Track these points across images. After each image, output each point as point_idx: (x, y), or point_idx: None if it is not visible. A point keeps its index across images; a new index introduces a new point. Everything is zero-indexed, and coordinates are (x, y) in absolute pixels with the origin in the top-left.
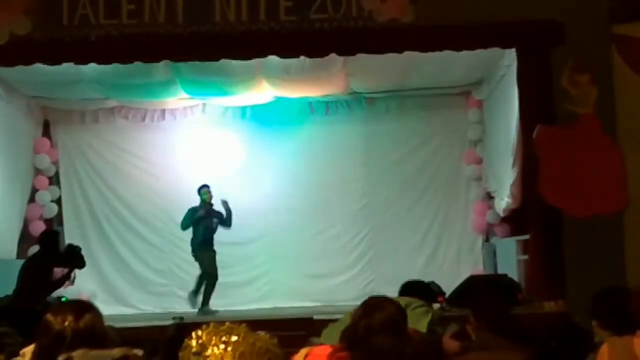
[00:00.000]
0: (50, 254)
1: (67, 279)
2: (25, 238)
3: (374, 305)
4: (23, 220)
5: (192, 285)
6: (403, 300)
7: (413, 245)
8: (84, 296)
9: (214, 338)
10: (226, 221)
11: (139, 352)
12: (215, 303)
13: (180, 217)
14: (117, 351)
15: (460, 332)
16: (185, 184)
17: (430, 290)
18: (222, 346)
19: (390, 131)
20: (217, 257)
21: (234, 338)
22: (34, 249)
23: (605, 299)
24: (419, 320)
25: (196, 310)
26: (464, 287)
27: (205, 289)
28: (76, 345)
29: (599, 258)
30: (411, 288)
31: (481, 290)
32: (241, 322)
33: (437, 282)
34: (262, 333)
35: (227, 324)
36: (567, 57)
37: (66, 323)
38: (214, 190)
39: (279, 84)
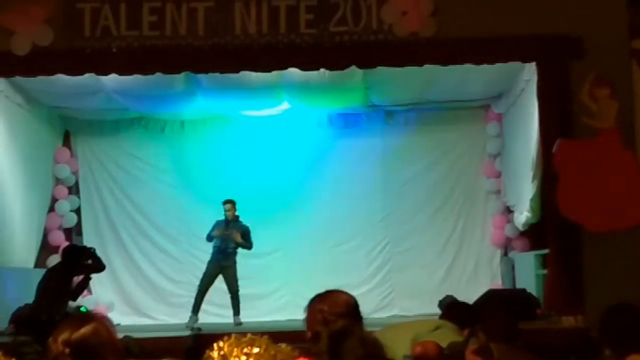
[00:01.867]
0: (71, 266)
1: (84, 286)
2: (44, 247)
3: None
4: (43, 229)
5: (209, 297)
6: (435, 323)
7: (431, 259)
8: (102, 307)
9: (235, 350)
10: (245, 245)
11: None
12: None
13: (198, 228)
14: None
15: (483, 348)
16: (204, 195)
17: (472, 312)
18: (243, 358)
19: (409, 144)
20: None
21: (256, 350)
22: (53, 258)
23: (613, 322)
24: (445, 339)
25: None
26: (481, 301)
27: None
28: (75, 358)
29: (618, 273)
30: (453, 311)
31: (488, 304)
32: (262, 333)
33: (455, 295)
34: (283, 345)
35: (249, 335)
36: (587, 71)
37: (59, 340)
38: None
39: (298, 96)
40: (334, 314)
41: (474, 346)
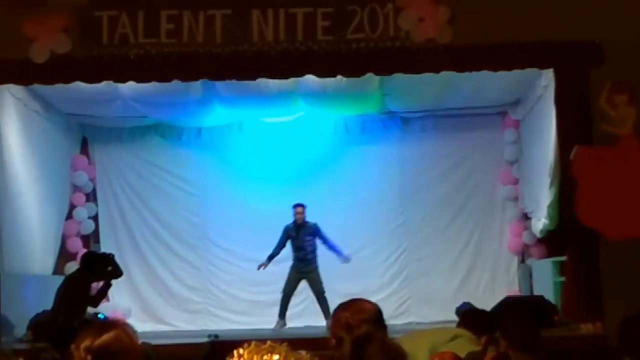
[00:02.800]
0: (90, 273)
1: (105, 292)
2: (62, 254)
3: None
4: (61, 236)
5: (226, 303)
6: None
7: (448, 265)
8: (119, 313)
9: (255, 357)
10: (330, 247)
11: None
12: (251, 321)
13: (215, 235)
14: None
15: (502, 355)
16: (221, 202)
17: (489, 320)
18: None
19: (425, 151)
20: (253, 276)
21: (275, 357)
22: (71, 265)
23: (633, 330)
24: (462, 349)
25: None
26: (499, 308)
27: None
28: None
29: (636, 280)
30: (470, 318)
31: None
32: (282, 341)
33: (472, 302)
34: (303, 352)
35: (269, 342)
36: (605, 78)
37: (82, 347)
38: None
39: (315, 103)
40: (357, 320)
41: (492, 354)
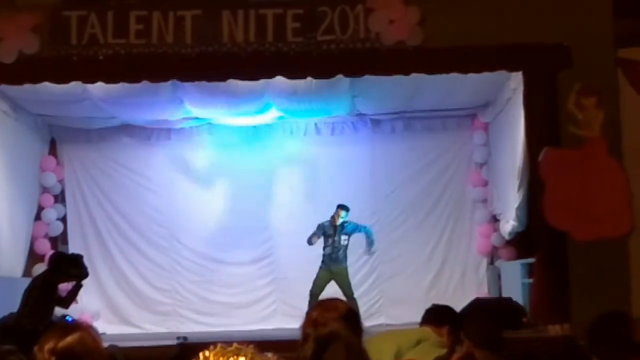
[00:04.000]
0: (56, 274)
1: (76, 294)
2: (30, 256)
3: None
4: (30, 238)
5: (195, 305)
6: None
7: (418, 267)
8: (87, 315)
9: (221, 359)
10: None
11: None
12: (220, 322)
13: (184, 236)
14: None
15: (467, 356)
16: (190, 203)
17: (455, 315)
18: None
19: (396, 152)
20: (221, 278)
21: (242, 359)
22: (39, 267)
23: (602, 330)
24: (427, 353)
25: None
26: (467, 310)
27: None
28: None
29: (604, 282)
30: (433, 315)
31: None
32: (249, 343)
33: (441, 304)
34: (269, 355)
35: (235, 345)
36: (573, 80)
37: (45, 349)
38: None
39: (285, 105)
40: (325, 317)
41: (458, 355)
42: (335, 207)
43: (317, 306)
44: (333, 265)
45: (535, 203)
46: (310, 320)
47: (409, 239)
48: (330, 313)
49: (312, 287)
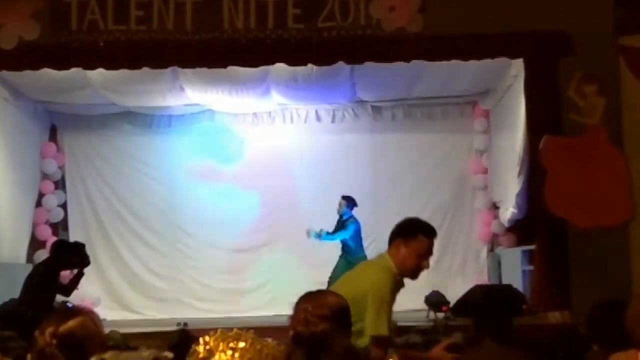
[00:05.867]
0: (59, 261)
1: (77, 282)
2: (31, 242)
3: None
4: (32, 224)
5: (195, 291)
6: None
7: None
8: (88, 301)
9: (221, 344)
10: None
11: (169, 354)
12: (220, 309)
13: (184, 223)
14: (147, 353)
15: (456, 345)
16: (190, 190)
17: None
18: (229, 352)
19: (396, 140)
20: (222, 264)
21: (242, 344)
22: (40, 253)
23: (602, 318)
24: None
25: None
26: (468, 297)
27: None
28: (62, 350)
29: (604, 268)
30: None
31: (484, 300)
32: (248, 329)
33: (441, 291)
34: (269, 340)
35: (235, 330)
36: (574, 68)
37: (47, 332)
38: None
39: (285, 91)
40: (317, 315)
41: (445, 344)
42: (335, 194)
43: (308, 300)
44: (348, 256)
45: (535, 190)
46: (301, 318)
47: None
48: (321, 310)
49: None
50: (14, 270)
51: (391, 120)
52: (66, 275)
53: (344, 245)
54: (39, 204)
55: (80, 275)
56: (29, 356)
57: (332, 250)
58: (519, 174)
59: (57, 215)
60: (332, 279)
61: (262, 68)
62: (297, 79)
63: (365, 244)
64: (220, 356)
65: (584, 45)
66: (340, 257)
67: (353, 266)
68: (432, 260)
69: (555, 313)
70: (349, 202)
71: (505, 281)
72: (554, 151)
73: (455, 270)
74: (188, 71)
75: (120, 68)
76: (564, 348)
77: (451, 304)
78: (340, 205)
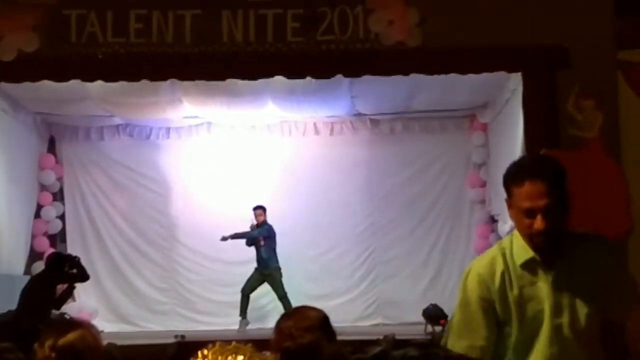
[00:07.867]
0: (55, 274)
1: (68, 295)
2: (29, 254)
3: None
4: (30, 236)
5: (193, 304)
6: None
7: (415, 268)
8: (85, 314)
9: (219, 357)
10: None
11: None
12: (217, 322)
13: (182, 235)
14: None
15: None
16: (188, 202)
17: None
18: None
19: (394, 153)
20: (220, 277)
21: (240, 358)
22: (38, 265)
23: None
24: None
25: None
26: None
27: None
28: None
29: None
30: None
31: None
32: (247, 341)
33: (439, 304)
34: (267, 353)
35: (233, 343)
36: (572, 82)
37: (46, 345)
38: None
39: (284, 104)
40: (301, 328)
41: None
42: (333, 208)
43: (289, 317)
44: (263, 269)
45: None
46: (286, 334)
47: (407, 240)
48: (304, 322)
49: (244, 286)
50: (12, 281)
51: (389, 133)
52: (59, 287)
53: (266, 255)
54: (37, 215)
55: (71, 288)
56: None
57: (331, 262)
58: None
59: (56, 227)
60: (245, 288)
61: (261, 81)
62: (296, 91)
63: (362, 256)
64: None
65: (582, 59)
66: (256, 270)
67: (266, 279)
68: (430, 274)
69: None
70: (260, 208)
71: None
72: None
73: (453, 284)
74: (187, 84)
75: (119, 80)
76: None
77: (449, 318)
78: (259, 215)
